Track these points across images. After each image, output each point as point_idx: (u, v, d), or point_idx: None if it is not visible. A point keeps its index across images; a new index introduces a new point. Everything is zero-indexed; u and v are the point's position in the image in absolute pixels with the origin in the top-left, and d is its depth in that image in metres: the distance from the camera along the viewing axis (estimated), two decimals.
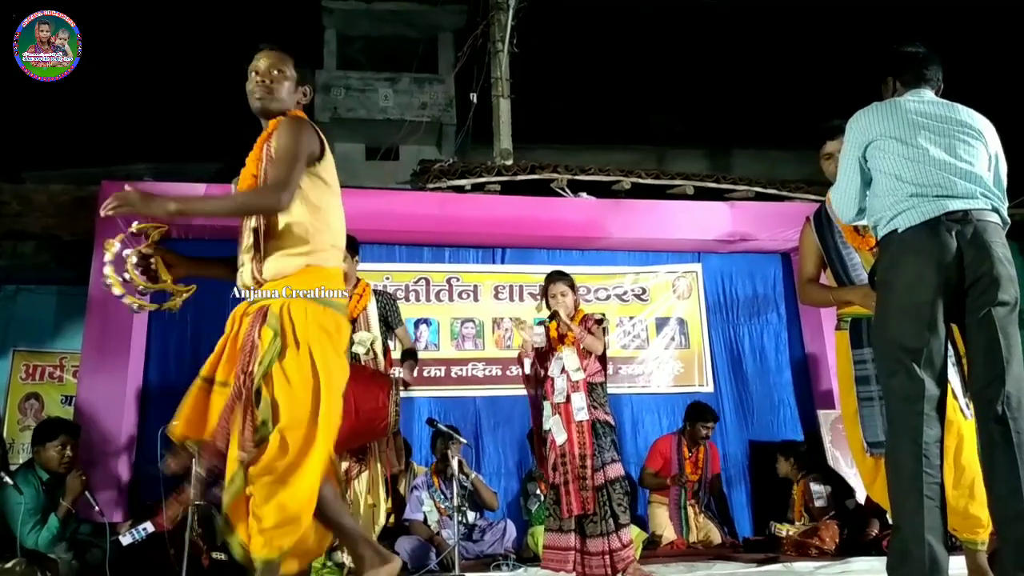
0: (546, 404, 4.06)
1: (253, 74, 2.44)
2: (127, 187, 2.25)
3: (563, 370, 3.99)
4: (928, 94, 2.60)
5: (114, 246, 2.31)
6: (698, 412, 5.64)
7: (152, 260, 2.36)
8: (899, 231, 2.37)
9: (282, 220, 2.30)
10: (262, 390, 2.17)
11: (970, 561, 2.84)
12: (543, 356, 4.14)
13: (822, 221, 3.21)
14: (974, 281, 2.29)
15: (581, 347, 3.97)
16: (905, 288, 2.32)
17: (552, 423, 3.98)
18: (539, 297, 4.25)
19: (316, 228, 2.33)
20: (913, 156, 2.41)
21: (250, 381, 2.18)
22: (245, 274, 2.34)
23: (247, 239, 2.35)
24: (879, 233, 2.46)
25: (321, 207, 2.36)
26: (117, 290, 2.30)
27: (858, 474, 3.25)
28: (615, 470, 3.88)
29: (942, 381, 2.30)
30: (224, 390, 2.20)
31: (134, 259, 2.31)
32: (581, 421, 3.90)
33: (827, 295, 3.16)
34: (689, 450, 5.65)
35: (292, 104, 2.48)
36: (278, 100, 2.43)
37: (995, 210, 2.40)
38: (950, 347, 2.43)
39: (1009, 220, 2.44)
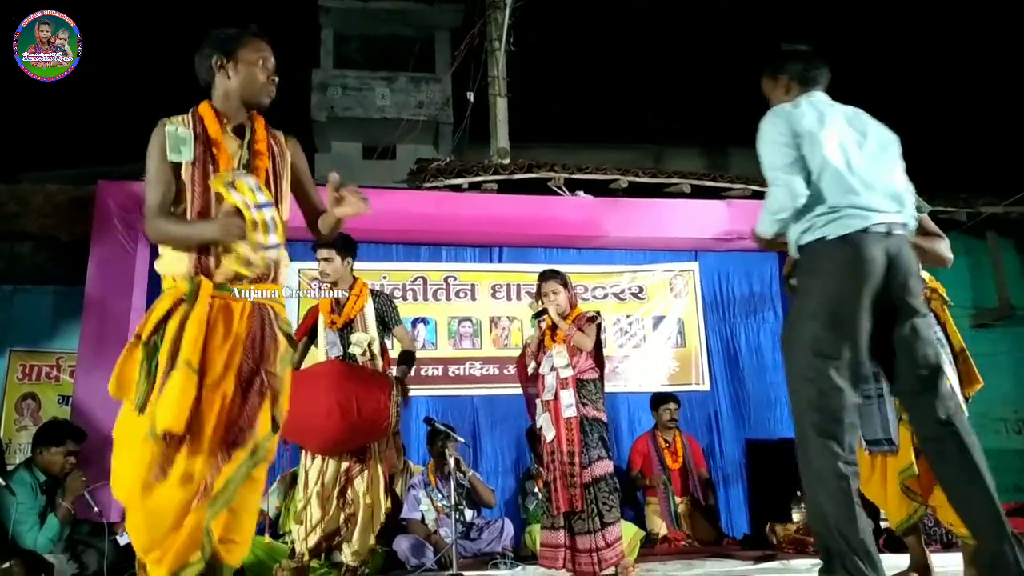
0: (538, 402, 4.08)
1: (268, 68, 2.40)
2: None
3: (553, 367, 4.00)
4: (824, 96, 2.59)
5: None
6: (658, 399, 5.83)
7: None
8: (826, 239, 2.34)
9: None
10: (279, 394, 2.21)
11: (967, 556, 2.86)
12: (536, 354, 4.16)
13: None
14: (899, 293, 2.32)
15: (571, 344, 3.99)
16: (828, 296, 2.30)
17: (542, 420, 4.00)
18: (534, 296, 4.26)
19: None
20: (841, 164, 2.39)
21: (275, 381, 2.20)
22: (260, 262, 2.24)
23: (282, 234, 2.29)
24: (803, 239, 2.41)
25: None
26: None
27: None
28: (602, 467, 3.87)
29: (856, 387, 2.29)
30: (193, 375, 2.08)
31: None
32: (569, 418, 3.90)
33: None
34: (665, 441, 5.72)
35: None
36: None
37: (907, 224, 2.44)
38: (945, 346, 2.48)
39: (913, 229, 2.49)
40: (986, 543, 2.21)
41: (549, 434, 3.95)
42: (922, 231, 3.01)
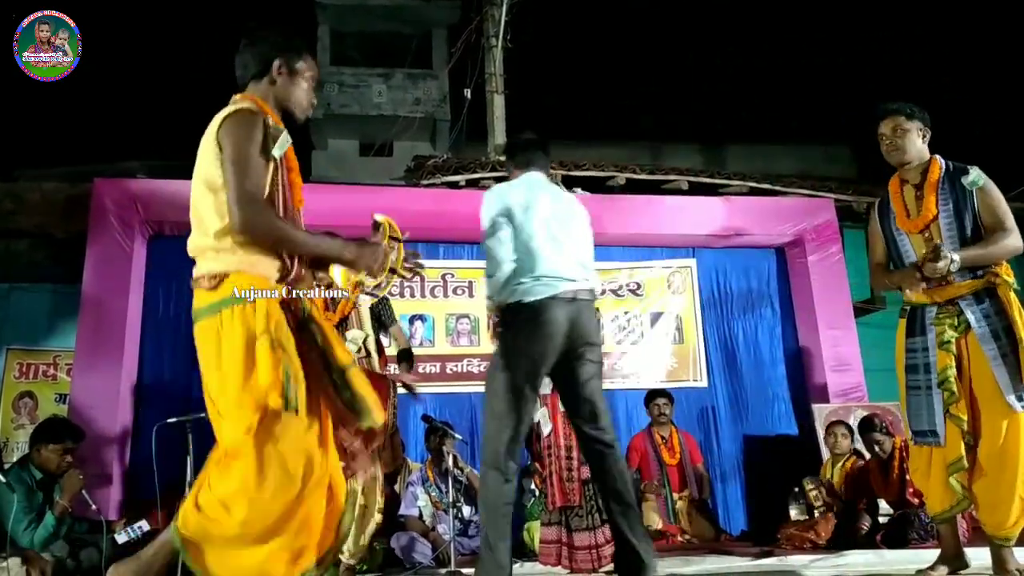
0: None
1: (313, 82, 2.40)
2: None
3: None
4: (539, 176, 3.13)
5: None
6: (649, 395, 5.84)
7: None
8: (522, 303, 2.85)
9: None
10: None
11: (995, 555, 2.87)
12: None
13: (883, 208, 3.24)
14: (577, 346, 2.90)
15: None
16: (520, 351, 2.84)
17: (540, 414, 3.98)
18: None
19: None
20: (541, 237, 2.90)
21: None
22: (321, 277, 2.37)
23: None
24: (507, 300, 2.90)
25: None
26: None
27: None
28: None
29: (524, 423, 2.90)
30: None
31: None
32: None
33: (884, 280, 3.25)
34: (662, 438, 5.74)
35: None
36: None
37: (592, 290, 3.01)
38: (1001, 338, 2.79)
39: (599, 293, 3.11)
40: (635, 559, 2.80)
41: (546, 428, 3.95)
42: (986, 227, 2.93)
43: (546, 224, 2.93)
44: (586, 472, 3.84)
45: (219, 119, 2.17)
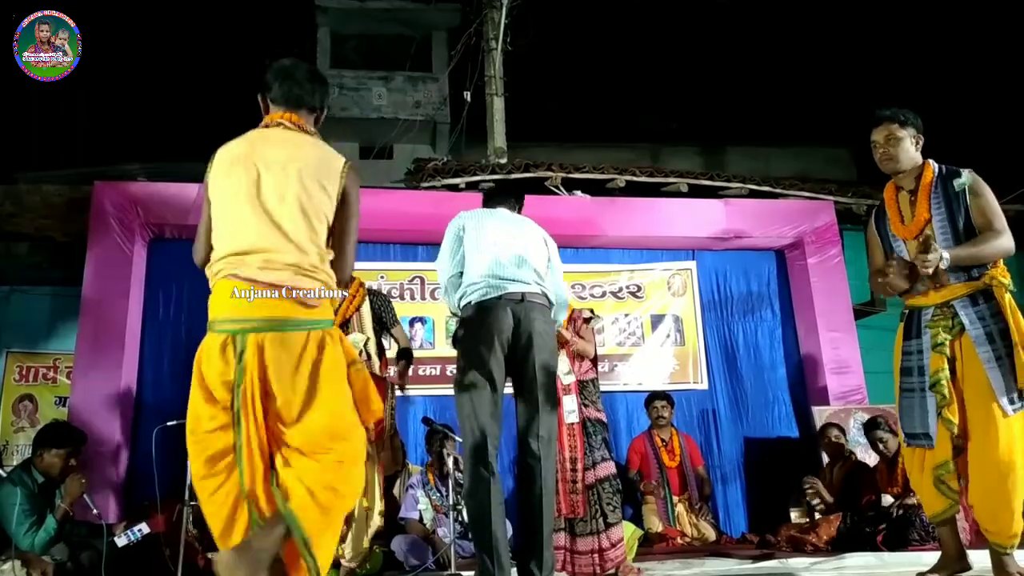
0: None
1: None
2: None
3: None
4: (502, 210, 3.36)
5: None
6: (649, 398, 5.86)
7: None
8: (471, 304, 3.01)
9: None
10: None
11: (995, 560, 2.85)
12: None
13: (879, 214, 3.23)
14: (524, 344, 2.96)
15: (572, 350, 3.96)
16: (473, 347, 2.94)
17: None
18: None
19: None
20: (490, 251, 3.08)
21: None
22: None
23: None
24: (460, 304, 3.09)
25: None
26: None
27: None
28: (606, 468, 3.86)
29: (496, 418, 2.92)
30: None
31: None
32: (572, 424, 3.88)
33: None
34: (662, 440, 5.74)
35: None
36: None
37: (544, 294, 3.10)
38: (996, 340, 2.78)
39: (554, 300, 3.15)
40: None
41: None
42: (978, 228, 2.92)
43: (496, 241, 3.12)
44: (592, 478, 3.85)
45: (343, 162, 2.38)
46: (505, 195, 3.52)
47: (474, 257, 3.10)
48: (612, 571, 3.76)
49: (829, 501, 5.03)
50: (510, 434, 5.80)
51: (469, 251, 3.13)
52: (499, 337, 2.94)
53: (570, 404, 3.89)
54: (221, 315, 2.19)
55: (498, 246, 3.11)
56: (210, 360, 2.16)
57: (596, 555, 3.77)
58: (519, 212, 3.50)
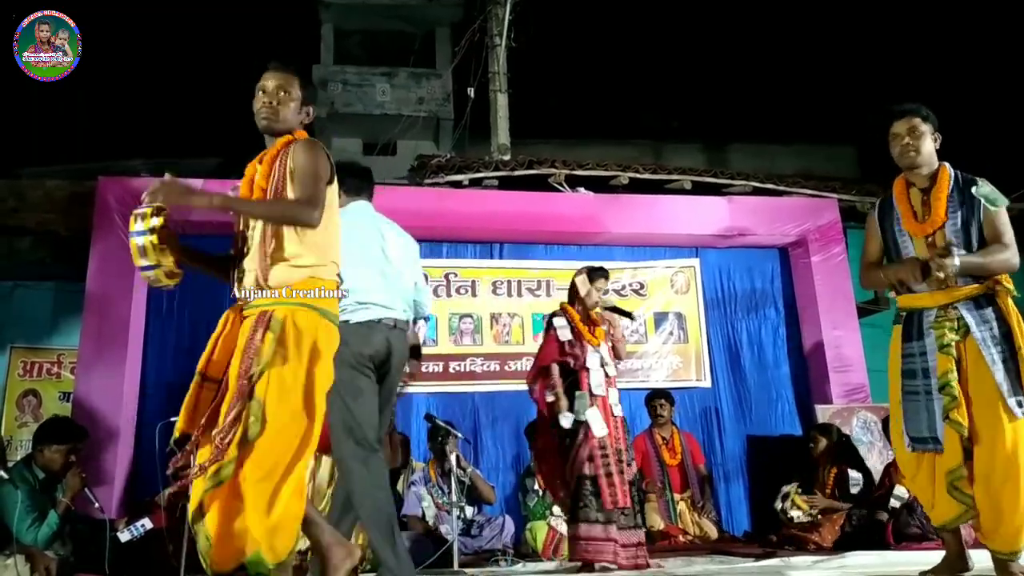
0: (581, 394, 3.95)
1: (260, 93, 2.51)
2: (167, 177, 2.43)
3: (602, 363, 4.00)
4: (366, 205, 3.45)
5: (150, 220, 2.47)
6: (649, 396, 5.88)
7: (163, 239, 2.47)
8: (350, 323, 3.00)
9: (296, 233, 2.38)
10: (255, 391, 2.22)
11: (997, 563, 2.83)
12: (572, 344, 4.07)
13: (885, 208, 3.20)
14: (391, 371, 3.18)
15: (610, 345, 4.04)
16: (349, 365, 2.95)
17: (590, 414, 3.91)
18: (585, 283, 4.18)
19: (322, 244, 2.43)
20: (366, 267, 3.13)
21: (250, 383, 2.23)
22: (248, 278, 2.40)
23: (253, 244, 2.42)
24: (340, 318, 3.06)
25: (327, 225, 2.44)
26: (151, 259, 2.51)
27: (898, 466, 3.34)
28: (633, 467, 3.99)
29: (373, 427, 3.09)
30: (211, 386, 2.32)
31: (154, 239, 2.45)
32: (618, 416, 3.98)
33: (879, 274, 3.20)
34: (663, 438, 5.75)
35: (297, 124, 2.55)
36: (283, 120, 2.51)
37: (408, 320, 3.30)
38: (999, 344, 2.79)
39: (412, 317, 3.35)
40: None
41: (601, 430, 3.89)
42: (987, 239, 2.93)
43: (370, 254, 3.22)
44: (630, 472, 3.97)
45: None
46: (370, 184, 3.63)
47: (353, 271, 3.14)
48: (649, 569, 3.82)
49: (824, 508, 5.03)
50: (510, 433, 5.91)
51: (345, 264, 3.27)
52: (373, 360, 3.18)
53: (614, 396, 3.97)
54: None
55: (375, 262, 3.29)
56: None
57: (639, 548, 3.88)
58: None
